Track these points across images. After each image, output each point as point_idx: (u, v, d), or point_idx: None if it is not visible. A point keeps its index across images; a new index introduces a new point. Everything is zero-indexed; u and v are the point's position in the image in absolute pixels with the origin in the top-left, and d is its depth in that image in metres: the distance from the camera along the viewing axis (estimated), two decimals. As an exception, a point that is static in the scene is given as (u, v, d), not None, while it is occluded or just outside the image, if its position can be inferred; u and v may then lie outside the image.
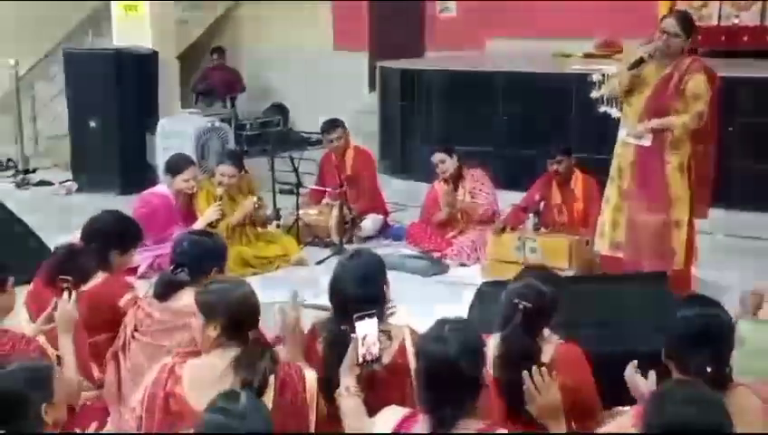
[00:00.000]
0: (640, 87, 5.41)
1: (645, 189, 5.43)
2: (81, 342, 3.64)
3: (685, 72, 5.30)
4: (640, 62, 5.31)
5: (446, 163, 7.09)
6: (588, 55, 9.64)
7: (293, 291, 3.39)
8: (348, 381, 3.06)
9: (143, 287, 4.16)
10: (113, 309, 3.98)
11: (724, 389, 2.76)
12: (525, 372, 2.95)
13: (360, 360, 3.05)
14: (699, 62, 5.46)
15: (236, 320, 3.06)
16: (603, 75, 6.40)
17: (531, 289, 3.22)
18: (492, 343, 3.14)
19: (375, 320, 3.07)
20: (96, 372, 3.82)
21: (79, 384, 3.52)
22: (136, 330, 3.63)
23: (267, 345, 3.13)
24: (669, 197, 5.38)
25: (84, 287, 3.89)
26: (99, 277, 4.08)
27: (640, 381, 2.99)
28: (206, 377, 2.99)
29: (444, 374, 2.65)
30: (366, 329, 3.05)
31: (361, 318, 3.05)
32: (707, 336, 2.81)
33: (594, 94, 5.63)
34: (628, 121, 5.48)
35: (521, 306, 3.13)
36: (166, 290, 3.66)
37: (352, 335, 3.05)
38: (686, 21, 5.41)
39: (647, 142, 5.36)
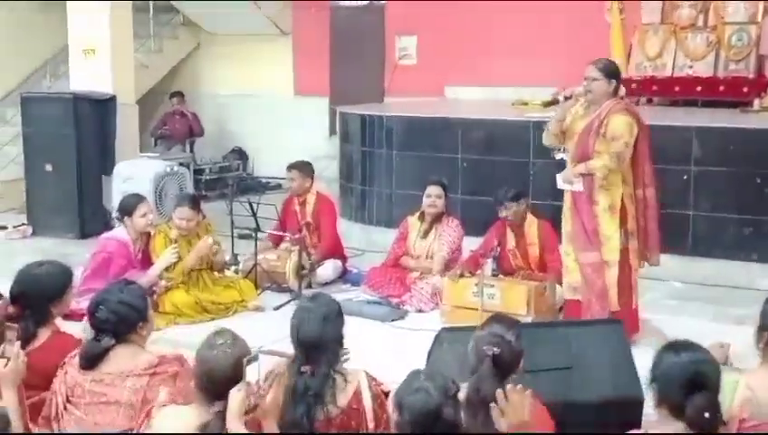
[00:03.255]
0: (572, 135, 5.63)
1: (580, 232, 5.62)
2: (21, 399, 3.49)
3: (606, 115, 5.50)
4: (554, 102, 5.70)
5: (440, 199, 7.09)
6: (547, 104, 9.75)
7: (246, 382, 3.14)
8: (237, 428, 3.01)
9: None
10: (58, 367, 3.81)
11: (716, 432, 2.79)
12: (499, 390, 2.93)
13: (247, 407, 2.99)
14: (621, 104, 5.67)
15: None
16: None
17: (498, 336, 3.21)
18: (461, 390, 3.13)
19: (258, 364, 3.03)
20: (35, 431, 3.66)
21: None
22: (68, 400, 3.45)
23: None
24: (599, 237, 5.56)
25: (29, 348, 3.71)
26: (43, 335, 3.85)
27: None
28: None
29: (429, 423, 2.68)
30: (254, 373, 3.01)
31: (249, 362, 3.01)
32: (703, 381, 2.84)
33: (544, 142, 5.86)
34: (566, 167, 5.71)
35: (490, 353, 3.13)
36: (92, 360, 3.48)
37: (247, 381, 3.00)
38: (606, 65, 5.64)
39: (578, 187, 5.58)
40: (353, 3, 12.82)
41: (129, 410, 3.27)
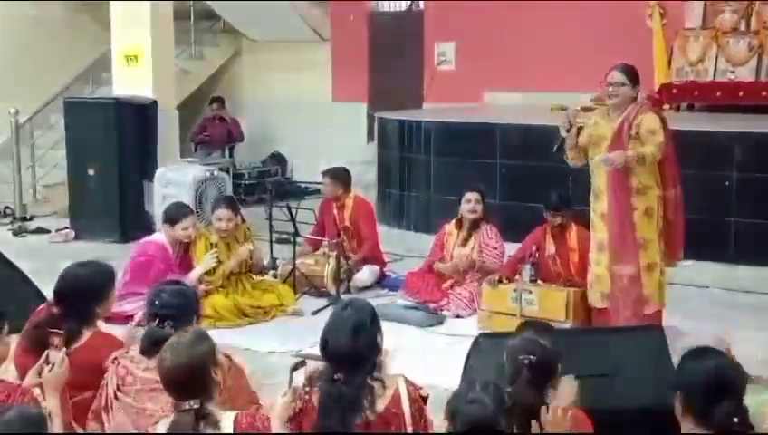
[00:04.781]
0: (598, 141, 5.63)
1: (616, 238, 5.59)
2: (64, 401, 3.55)
3: (634, 117, 5.52)
4: (562, 141, 5.68)
5: (479, 205, 7.07)
6: (585, 108, 9.69)
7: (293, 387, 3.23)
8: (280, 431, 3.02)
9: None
10: (99, 369, 3.76)
11: None
12: (543, 408, 2.92)
13: (292, 412, 3.01)
14: (646, 105, 5.75)
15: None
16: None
17: (533, 343, 3.20)
18: None
19: (304, 370, 3.05)
20: (80, 431, 3.73)
21: None
22: (118, 389, 3.53)
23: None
24: (638, 242, 5.54)
25: (72, 347, 3.76)
26: (85, 336, 3.90)
27: None
28: None
29: None
30: (299, 380, 3.03)
31: (296, 368, 3.02)
32: (729, 387, 2.84)
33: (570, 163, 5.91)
34: (594, 175, 5.68)
35: (526, 361, 3.11)
36: (154, 346, 3.51)
37: (293, 386, 3.01)
38: (631, 70, 5.65)
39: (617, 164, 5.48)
40: (392, 9, 12.85)
41: None
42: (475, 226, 7.09)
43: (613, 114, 5.63)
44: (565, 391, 3.04)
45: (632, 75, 5.61)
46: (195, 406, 2.96)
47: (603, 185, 5.64)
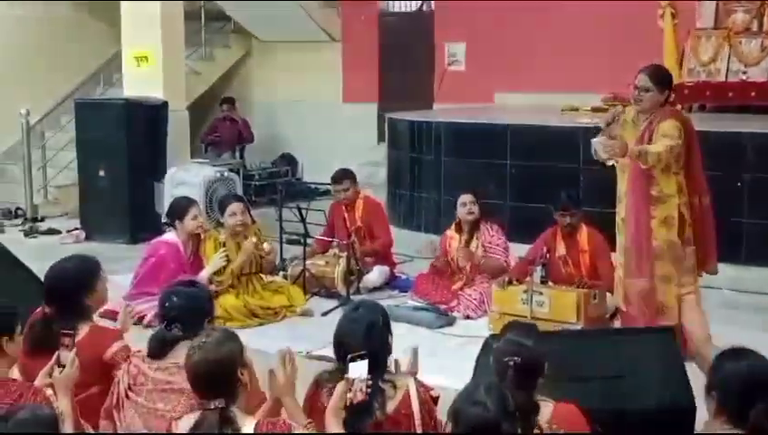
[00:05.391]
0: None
1: (633, 246, 5.45)
2: (72, 403, 3.56)
3: (656, 124, 5.33)
4: (598, 131, 5.43)
5: (476, 205, 7.09)
6: (596, 109, 9.69)
7: (281, 349, 3.28)
8: (333, 424, 3.02)
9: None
10: (100, 362, 3.84)
11: None
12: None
13: (348, 403, 3.02)
14: (670, 111, 5.52)
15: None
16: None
17: (517, 344, 3.18)
18: None
19: (366, 363, 3.05)
20: (89, 430, 3.74)
21: None
22: (130, 388, 3.54)
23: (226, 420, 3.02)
24: (654, 251, 5.38)
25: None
26: (82, 331, 3.88)
27: None
28: None
29: None
30: (358, 371, 3.03)
31: (354, 360, 3.03)
32: (765, 387, 2.84)
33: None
34: (619, 181, 5.54)
35: (511, 363, 3.10)
36: (160, 348, 3.57)
37: (346, 377, 3.03)
38: (659, 75, 5.44)
39: (611, 162, 5.38)
40: (403, 9, 12.85)
41: (190, 401, 3.30)
42: (475, 226, 7.10)
43: (639, 117, 5.44)
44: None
45: (660, 79, 5.38)
46: (220, 406, 2.96)
47: (626, 189, 5.49)
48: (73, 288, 3.98)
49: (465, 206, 7.09)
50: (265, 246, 6.92)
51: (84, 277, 4.04)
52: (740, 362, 2.93)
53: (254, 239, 6.82)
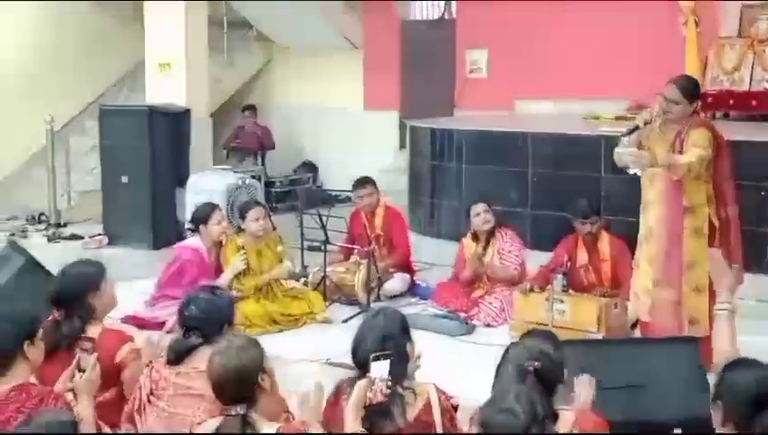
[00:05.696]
0: (650, 152, 5.38)
1: (663, 254, 5.39)
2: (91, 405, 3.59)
3: (686, 133, 5.27)
4: (635, 129, 5.31)
5: (489, 214, 7.08)
6: (619, 118, 9.65)
7: (317, 383, 3.27)
8: (352, 422, 3.02)
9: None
10: (112, 364, 3.87)
11: None
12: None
13: (368, 402, 3.02)
14: (699, 119, 5.45)
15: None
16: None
17: (534, 350, 3.18)
18: None
19: (388, 363, 3.05)
20: (107, 429, 3.76)
21: None
22: (152, 393, 3.58)
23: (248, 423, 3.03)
24: (684, 262, 5.33)
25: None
26: (93, 334, 3.90)
27: None
28: None
29: None
30: (380, 371, 3.03)
31: (378, 359, 3.04)
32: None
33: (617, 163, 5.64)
34: (645, 187, 5.48)
35: (530, 368, 3.09)
36: (178, 356, 3.61)
37: (367, 375, 3.02)
38: (688, 87, 5.37)
39: (636, 170, 5.29)
40: (424, 17, 12.86)
41: (210, 406, 3.31)
42: (490, 234, 7.09)
43: (667, 127, 5.36)
44: (582, 392, 3.02)
45: (690, 92, 5.31)
46: (241, 412, 2.97)
47: (654, 198, 5.43)
48: (78, 288, 4.06)
49: (480, 215, 7.08)
50: (287, 262, 6.96)
51: (88, 277, 4.12)
52: (747, 372, 2.95)
53: (289, 264, 6.88)
